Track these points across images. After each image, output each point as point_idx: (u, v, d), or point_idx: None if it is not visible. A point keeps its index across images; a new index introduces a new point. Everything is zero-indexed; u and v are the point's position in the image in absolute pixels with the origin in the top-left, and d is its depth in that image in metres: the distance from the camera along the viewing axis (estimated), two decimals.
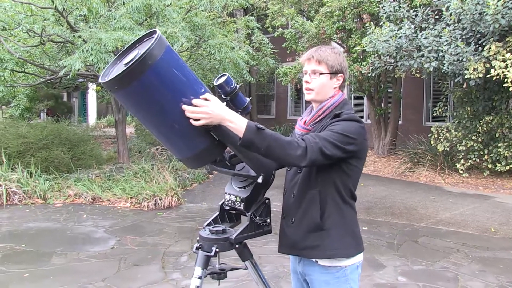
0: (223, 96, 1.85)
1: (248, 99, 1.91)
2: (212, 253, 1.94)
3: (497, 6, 6.64)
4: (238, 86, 1.87)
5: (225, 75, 1.84)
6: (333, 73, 1.96)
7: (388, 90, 11.49)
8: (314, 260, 1.96)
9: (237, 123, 1.72)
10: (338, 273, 1.94)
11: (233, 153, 1.94)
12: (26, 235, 5.62)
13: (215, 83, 1.85)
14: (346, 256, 1.94)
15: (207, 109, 1.70)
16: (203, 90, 1.76)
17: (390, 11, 8.53)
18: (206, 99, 1.73)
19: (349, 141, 1.84)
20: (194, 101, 1.71)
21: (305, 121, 2.02)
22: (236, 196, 2.01)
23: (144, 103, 1.69)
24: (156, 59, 1.61)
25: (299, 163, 1.78)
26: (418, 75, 8.51)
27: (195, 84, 1.76)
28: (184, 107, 1.70)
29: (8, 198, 7.16)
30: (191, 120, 1.71)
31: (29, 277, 4.30)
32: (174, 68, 1.68)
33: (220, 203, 2.13)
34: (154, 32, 1.69)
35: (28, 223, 6.13)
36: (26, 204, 7.13)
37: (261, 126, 1.73)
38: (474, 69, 7.13)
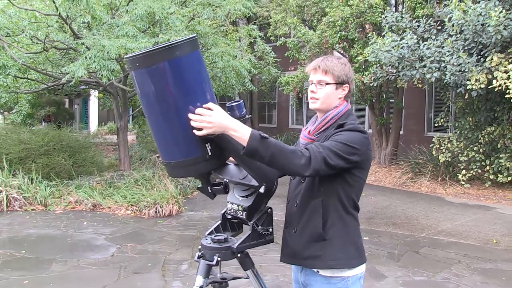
0: None
1: None
2: (214, 262, 1.93)
3: (499, 17, 6.66)
4: (248, 116, 1.91)
5: (239, 101, 1.90)
6: (339, 83, 1.96)
7: (390, 100, 11.50)
8: (315, 270, 1.95)
9: (241, 132, 1.72)
10: (340, 283, 1.92)
11: (215, 181, 1.95)
12: (26, 242, 5.60)
13: (227, 105, 1.89)
14: (348, 267, 1.93)
15: (209, 118, 1.70)
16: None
17: (393, 21, 8.56)
18: (209, 108, 1.73)
19: (352, 152, 1.84)
20: (198, 110, 1.72)
21: (309, 131, 2.02)
22: (238, 205, 2.00)
23: (156, 88, 1.72)
24: (184, 54, 1.69)
25: (303, 172, 1.77)
26: (420, 86, 8.52)
27: (209, 96, 1.79)
28: (190, 116, 1.71)
29: (8, 204, 7.14)
30: (194, 130, 1.72)
31: (29, 284, 4.28)
32: (195, 71, 1.75)
33: (222, 211, 2.12)
34: (193, 36, 1.79)
35: (28, 230, 6.11)
36: (26, 210, 7.12)
37: (265, 134, 1.73)
38: (476, 80, 7.13)
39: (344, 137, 1.85)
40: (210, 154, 1.78)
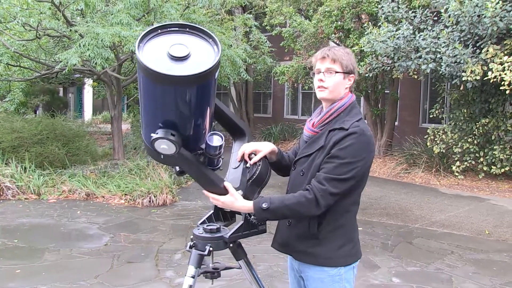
0: (202, 152, 1.85)
1: (220, 167, 1.97)
2: (206, 252, 1.92)
3: (495, 8, 6.64)
4: (221, 158, 1.94)
5: (220, 144, 1.84)
6: (347, 72, 1.94)
7: (385, 91, 11.48)
8: None
9: (246, 209, 1.89)
10: (333, 271, 1.92)
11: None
12: (19, 231, 5.57)
13: (207, 137, 1.83)
14: (341, 265, 1.93)
15: (223, 205, 1.90)
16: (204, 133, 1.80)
17: (389, 12, 8.51)
18: (225, 188, 1.86)
19: (358, 164, 1.83)
20: (214, 196, 1.90)
21: (313, 123, 2.00)
22: None
23: (170, 101, 1.63)
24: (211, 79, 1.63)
25: (314, 214, 1.85)
26: (416, 77, 8.50)
27: (208, 116, 1.76)
28: (206, 193, 1.90)
29: (1, 193, 7.11)
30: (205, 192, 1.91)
31: (21, 273, 4.26)
32: (211, 95, 1.70)
33: None
34: (212, 38, 1.74)
35: (21, 219, 6.08)
36: (19, 199, 7.08)
37: (266, 204, 1.82)
38: (472, 72, 7.12)
39: (346, 151, 1.82)
40: (180, 148, 1.72)
